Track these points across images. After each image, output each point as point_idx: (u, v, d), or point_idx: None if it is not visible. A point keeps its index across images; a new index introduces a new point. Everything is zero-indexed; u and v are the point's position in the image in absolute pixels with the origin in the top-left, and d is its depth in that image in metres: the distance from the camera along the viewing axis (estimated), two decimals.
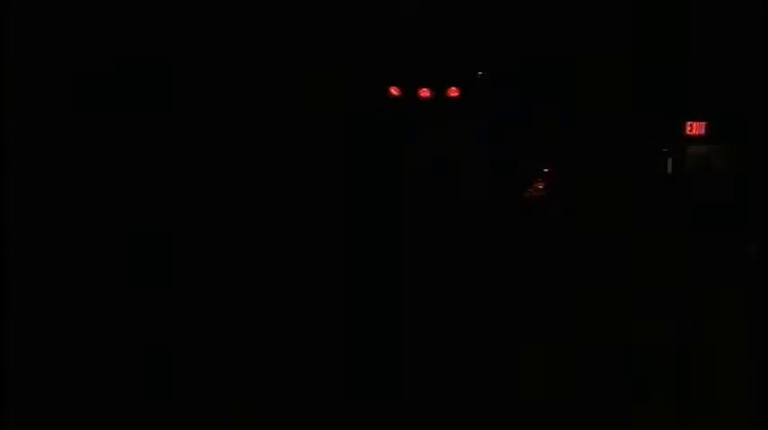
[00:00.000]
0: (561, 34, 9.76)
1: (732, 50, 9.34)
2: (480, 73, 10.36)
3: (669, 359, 5.22)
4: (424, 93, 10.14)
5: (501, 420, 4.36)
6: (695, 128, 10.14)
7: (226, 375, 4.98)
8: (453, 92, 10.20)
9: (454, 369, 5.12)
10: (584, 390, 4.70)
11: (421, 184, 10.02)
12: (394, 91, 9.99)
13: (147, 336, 5.56)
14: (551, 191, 10.29)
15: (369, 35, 9.05)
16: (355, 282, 7.02)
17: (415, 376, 4.98)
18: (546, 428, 4.30)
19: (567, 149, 10.42)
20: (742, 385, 4.63)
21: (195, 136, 7.43)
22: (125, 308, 5.84)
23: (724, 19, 9.18)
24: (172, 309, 5.95)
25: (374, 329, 5.93)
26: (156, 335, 5.60)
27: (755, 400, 4.33)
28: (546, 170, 10.44)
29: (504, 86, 10.36)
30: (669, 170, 10.36)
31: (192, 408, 4.51)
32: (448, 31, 9.77)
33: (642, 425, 4.25)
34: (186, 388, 4.79)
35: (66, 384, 4.75)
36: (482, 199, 9.98)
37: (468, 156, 10.45)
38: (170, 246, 6.67)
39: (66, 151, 6.12)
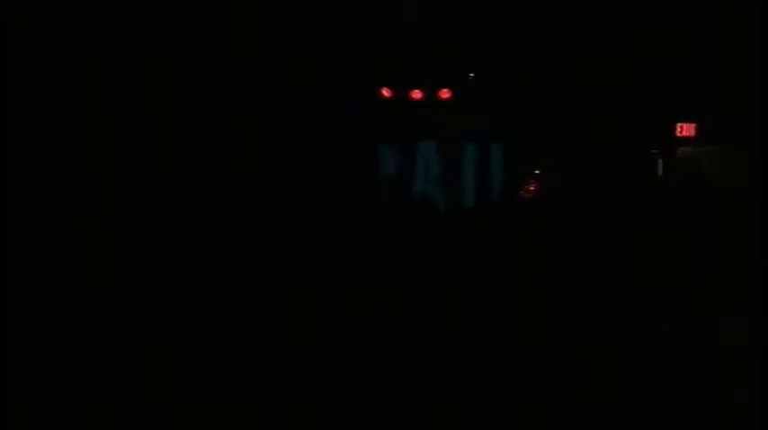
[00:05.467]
0: (551, 35, 9.79)
1: (722, 52, 9.40)
2: (472, 74, 10.38)
3: (669, 358, 5.26)
4: (416, 94, 10.15)
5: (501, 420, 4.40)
6: (685, 129, 10.20)
7: (226, 375, 4.98)
8: (445, 93, 10.21)
9: (453, 369, 5.14)
10: (583, 391, 4.73)
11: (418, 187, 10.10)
12: (385, 92, 9.99)
13: (147, 336, 5.55)
14: (543, 192, 10.31)
15: (361, 36, 9.07)
16: (354, 280, 7.03)
17: (414, 376, 5.00)
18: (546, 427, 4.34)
19: (558, 151, 10.45)
20: (743, 384, 4.68)
21: (193, 136, 7.43)
22: (125, 307, 5.83)
23: (715, 18, 9.25)
24: (172, 309, 5.95)
25: (372, 327, 5.95)
26: (156, 335, 5.59)
27: (757, 400, 4.38)
28: (537, 172, 10.46)
29: (495, 87, 10.36)
30: (659, 171, 10.41)
31: (191, 408, 4.51)
32: (439, 32, 9.78)
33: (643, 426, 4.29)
34: (186, 388, 4.79)
35: (66, 384, 4.74)
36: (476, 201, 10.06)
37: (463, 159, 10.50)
38: (170, 247, 6.66)
39: (65, 151, 6.10)
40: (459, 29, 9.74)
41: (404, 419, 4.44)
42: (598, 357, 5.30)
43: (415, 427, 4.40)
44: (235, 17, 7.73)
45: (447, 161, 10.52)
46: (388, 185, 10.06)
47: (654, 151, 10.48)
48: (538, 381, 4.93)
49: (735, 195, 8.96)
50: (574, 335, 5.86)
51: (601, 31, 9.65)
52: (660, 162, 10.46)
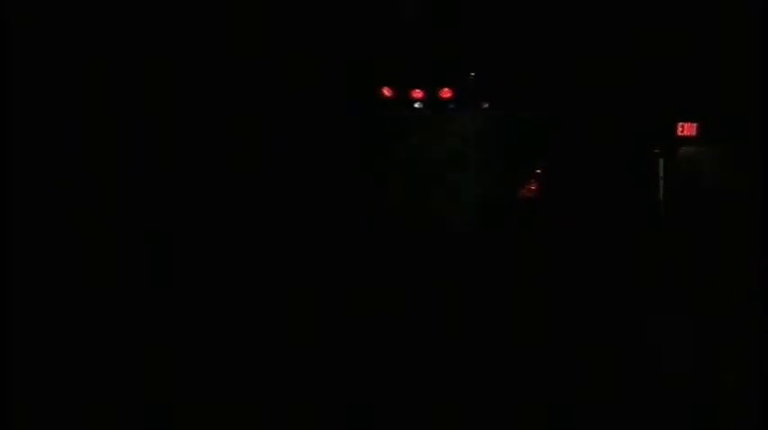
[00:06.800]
0: (552, 35, 9.78)
1: (722, 52, 9.40)
2: (472, 74, 10.36)
3: (669, 359, 5.27)
4: (417, 93, 10.14)
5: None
6: (686, 129, 10.18)
7: (226, 375, 4.99)
8: (445, 93, 10.20)
9: (453, 369, 5.15)
10: (583, 391, 4.74)
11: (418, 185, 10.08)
12: (386, 92, 9.98)
13: (147, 336, 5.56)
14: (544, 191, 10.30)
15: (361, 36, 9.07)
16: (354, 280, 7.04)
17: (414, 376, 5.00)
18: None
19: (558, 151, 10.44)
20: (743, 384, 4.69)
21: (193, 136, 7.43)
22: (125, 307, 5.84)
23: (715, 18, 9.24)
24: (172, 310, 5.95)
25: (372, 327, 5.96)
26: (156, 335, 5.60)
27: (757, 400, 4.38)
28: (538, 171, 10.44)
29: (496, 87, 10.36)
30: (661, 171, 10.40)
31: (191, 408, 4.52)
32: (439, 32, 9.78)
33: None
34: (186, 388, 4.80)
35: (66, 384, 4.75)
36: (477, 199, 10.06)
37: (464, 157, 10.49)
38: (170, 247, 6.67)
39: (65, 151, 6.10)
40: (459, 29, 9.73)
41: (404, 419, 4.45)
42: (598, 357, 5.30)
43: (415, 427, 4.40)
44: (235, 17, 7.73)
45: (447, 161, 10.53)
46: (389, 186, 10.06)
47: (655, 151, 10.47)
48: (538, 381, 4.93)
49: (735, 195, 8.97)
50: (574, 335, 5.86)
51: (601, 31, 9.63)
52: (661, 162, 10.45)
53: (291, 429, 4.40)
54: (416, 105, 10.20)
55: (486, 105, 10.40)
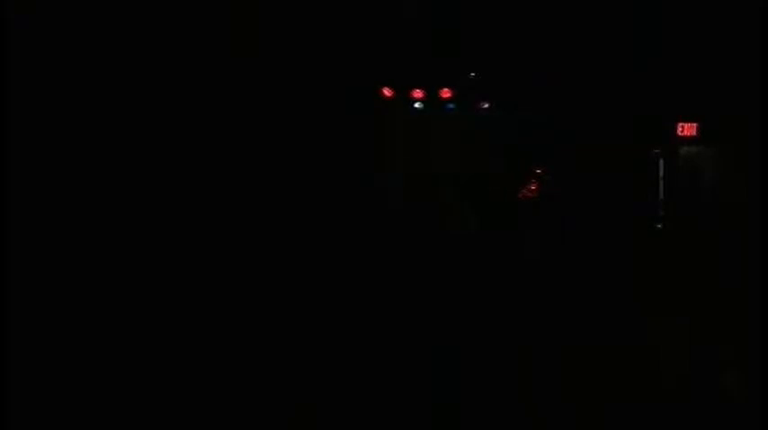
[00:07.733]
0: (552, 35, 9.79)
1: (722, 52, 9.41)
2: (473, 74, 10.38)
3: (668, 359, 5.28)
4: (417, 93, 10.16)
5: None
6: (686, 129, 10.21)
7: (226, 375, 4.98)
8: (446, 92, 10.21)
9: (452, 368, 5.15)
10: (581, 390, 4.74)
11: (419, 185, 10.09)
12: (386, 92, 10.00)
13: (147, 336, 5.56)
14: (544, 191, 10.31)
15: (361, 36, 9.08)
16: (353, 282, 7.04)
17: (414, 376, 5.00)
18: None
19: (559, 150, 10.45)
20: (742, 384, 4.69)
21: (193, 136, 7.44)
22: (125, 307, 5.84)
23: (715, 17, 9.26)
24: (172, 309, 5.95)
25: (372, 327, 5.96)
26: (156, 335, 5.59)
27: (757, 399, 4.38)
28: (538, 171, 10.45)
29: (495, 87, 10.38)
30: (661, 171, 10.42)
31: (191, 408, 4.52)
32: (439, 32, 9.79)
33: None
34: (186, 388, 4.80)
35: (66, 384, 4.75)
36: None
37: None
38: (170, 247, 6.67)
39: (65, 151, 6.12)
40: (459, 29, 9.75)
41: (404, 419, 4.44)
42: (598, 357, 5.31)
43: (415, 427, 4.40)
44: (234, 17, 7.74)
45: (447, 161, 10.55)
46: (388, 186, 10.08)
47: (656, 151, 10.49)
48: (537, 381, 4.94)
49: (735, 195, 8.99)
50: (573, 334, 5.86)
51: (601, 31, 9.65)
52: (661, 162, 10.47)
53: (291, 429, 4.39)
54: (416, 105, 10.23)
55: (486, 105, 10.43)
